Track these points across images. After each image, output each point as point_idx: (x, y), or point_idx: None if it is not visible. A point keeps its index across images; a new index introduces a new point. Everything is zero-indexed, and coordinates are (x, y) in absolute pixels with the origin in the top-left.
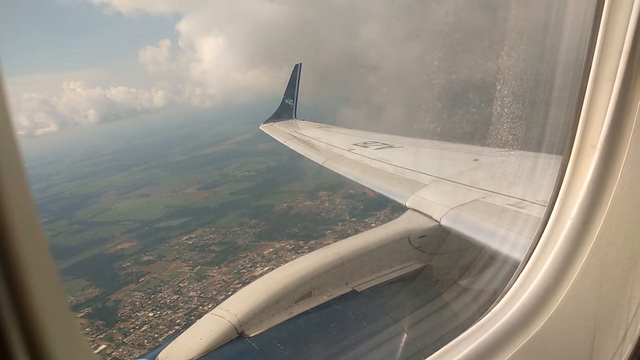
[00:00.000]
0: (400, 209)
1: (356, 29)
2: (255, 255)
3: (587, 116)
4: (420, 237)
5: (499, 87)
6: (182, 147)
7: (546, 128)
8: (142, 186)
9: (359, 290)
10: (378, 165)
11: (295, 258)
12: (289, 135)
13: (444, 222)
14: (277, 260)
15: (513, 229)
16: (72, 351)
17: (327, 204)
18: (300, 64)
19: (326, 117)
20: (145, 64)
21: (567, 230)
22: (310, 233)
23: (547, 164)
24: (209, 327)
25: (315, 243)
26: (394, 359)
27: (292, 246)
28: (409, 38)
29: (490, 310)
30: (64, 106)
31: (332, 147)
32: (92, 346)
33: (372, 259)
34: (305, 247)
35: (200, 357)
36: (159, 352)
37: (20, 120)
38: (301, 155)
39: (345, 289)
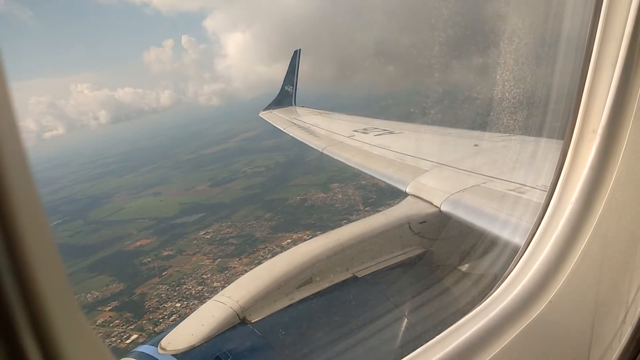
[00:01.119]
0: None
1: (376, 20)
2: (274, 247)
3: (588, 101)
4: (420, 223)
5: (499, 72)
6: (188, 146)
7: (547, 113)
8: (153, 185)
9: (359, 276)
10: (378, 152)
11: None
12: (288, 122)
13: (444, 208)
14: None
15: (513, 214)
16: (83, 347)
17: (340, 196)
18: (300, 50)
19: (343, 105)
20: (151, 63)
21: (567, 214)
22: (326, 224)
23: (548, 148)
24: (211, 314)
25: None
26: (395, 343)
27: (310, 236)
28: (417, 28)
29: (490, 295)
30: (72, 108)
31: (332, 134)
32: (106, 342)
33: (372, 245)
34: None
35: (203, 343)
36: (161, 339)
37: (28, 124)
38: (301, 142)
39: (346, 275)
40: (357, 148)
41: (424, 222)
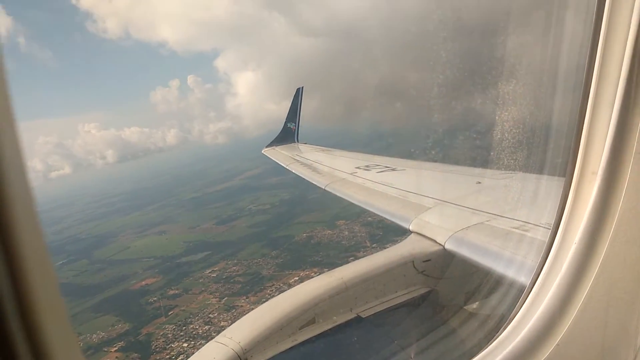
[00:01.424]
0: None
1: (382, 60)
2: (282, 284)
3: (587, 142)
4: (424, 261)
5: (500, 111)
6: (193, 184)
7: (548, 151)
8: (158, 224)
9: (363, 316)
10: (381, 189)
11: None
12: (291, 158)
13: (448, 246)
14: None
15: (518, 252)
16: None
17: (346, 232)
18: (302, 87)
19: (351, 141)
20: (157, 103)
21: (571, 255)
22: (333, 261)
23: (550, 186)
24: (211, 355)
25: None
26: None
27: (317, 274)
28: (420, 68)
29: (496, 338)
30: (79, 148)
31: (335, 171)
32: None
33: (376, 283)
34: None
35: None
36: None
37: (35, 164)
38: (304, 178)
39: (350, 315)
40: (360, 185)
41: (428, 260)
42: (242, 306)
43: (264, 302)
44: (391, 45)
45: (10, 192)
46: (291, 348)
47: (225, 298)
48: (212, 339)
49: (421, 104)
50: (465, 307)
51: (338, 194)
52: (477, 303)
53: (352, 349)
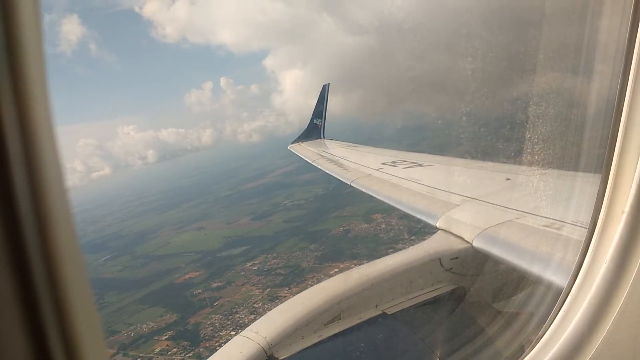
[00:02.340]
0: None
1: (426, 53)
2: (322, 276)
3: (621, 154)
4: (452, 259)
5: (531, 106)
6: (226, 182)
7: (581, 148)
8: (195, 220)
9: (389, 313)
10: (407, 185)
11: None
12: (317, 154)
13: (476, 244)
14: None
15: (548, 251)
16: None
17: (383, 226)
18: (328, 84)
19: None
20: (192, 104)
21: (602, 274)
22: (372, 253)
23: (582, 183)
24: (238, 350)
25: None
26: None
27: (357, 265)
28: (460, 61)
29: (524, 358)
30: (118, 149)
31: (360, 166)
32: None
33: (402, 280)
34: None
35: None
36: None
37: (76, 166)
38: (329, 174)
39: (375, 312)
40: (386, 181)
41: (456, 257)
42: (285, 296)
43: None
44: (433, 39)
45: (48, 193)
46: (316, 344)
47: (268, 289)
48: (277, 306)
49: (456, 98)
50: (492, 305)
51: (364, 190)
52: (505, 302)
53: (378, 345)
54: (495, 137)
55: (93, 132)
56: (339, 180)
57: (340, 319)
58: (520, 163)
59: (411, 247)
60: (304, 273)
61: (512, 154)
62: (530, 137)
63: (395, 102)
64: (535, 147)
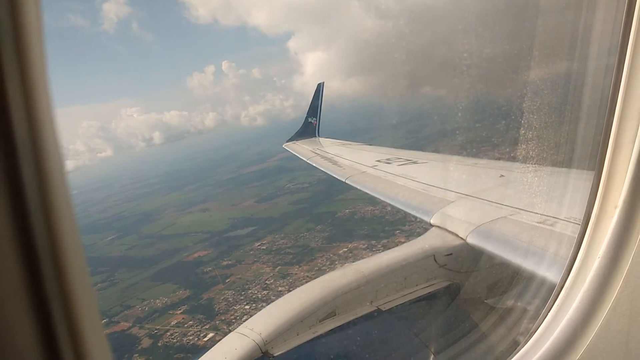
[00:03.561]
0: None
1: (448, 36)
2: (332, 255)
3: (614, 152)
4: (446, 255)
5: (527, 100)
6: (227, 166)
7: (574, 145)
8: (199, 202)
9: (383, 309)
10: (402, 182)
11: (371, 256)
12: (312, 152)
13: (470, 240)
14: (354, 258)
15: (541, 247)
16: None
17: (389, 208)
18: (323, 83)
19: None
20: (194, 88)
21: (595, 269)
22: (379, 233)
23: (576, 180)
24: (233, 346)
25: (388, 242)
26: None
27: (365, 245)
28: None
29: (517, 352)
30: (121, 131)
31: (355, 164)
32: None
33: (397, 277)
34: (379, 246)
35: None
36: None
37: (78, 147)
38: (325, 171)
39: (370, 308)
40: (380, 178)
41: (450, 254)
42: (296, 274)
43: (317, 270)
44: (456, 25)
45: (50, 179)
46: (311, 340)
47: (279, 267)
48: (272, 302)
49: (453, 90)
50: (486, 301)
51: (359, 187)
52: (499, 298)
53: (372, 341)
54: (490, 133)
55: (96, 113)
56: (334, 177)
57: (335, 315)
58: (514, 160)
59: (406, 244)
60: (313, 252)
61: (506, 150)
62: (523, 132)
63: (413, 85)
64: (528, 143)
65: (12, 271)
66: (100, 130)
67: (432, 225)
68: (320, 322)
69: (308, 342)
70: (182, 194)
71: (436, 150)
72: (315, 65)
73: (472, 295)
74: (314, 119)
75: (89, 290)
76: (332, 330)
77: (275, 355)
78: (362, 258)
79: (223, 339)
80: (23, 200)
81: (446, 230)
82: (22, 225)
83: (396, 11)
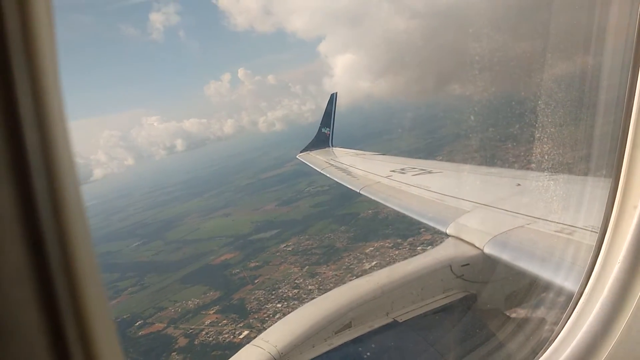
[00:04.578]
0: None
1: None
2: (359, 254)
3: (631, 157)
4: (462, 266)
5: (541, 113)
6: (245, 172)
7: (591, 153)
8: (220, 208)
9: (400, 321)
10: (417, 192)
11: (397, 254)
12: (325, 163)
13: (487, 250)
14: (381, 256)
15: (559, 256)
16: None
17: None
18: (336, 93)
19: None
20: (211, 95)
21: (615, 274)
22: (404, 232)
23: (593, 187)
24: (249, 359)
25: (414, 239)
26: None
27: (392, 244)
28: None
29: (539, 359)
30: (142, 140)
31: (369, 174)
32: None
33: (413, 288)
34: (405, 244)
35: None
36: None
37: (99, 157)
38: (339, 182)
39: (386, 320)
40: (395, 188)
41: (467, 264)
42: (324, 273)
43: (344, 269)
44: (483, 25)
45: (63, 191)
46: (327, 352)
47: (307, 267)
48: (304, 299)
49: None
50: (504, 312)
51: (373, 197)
52: (517, 308)
53: (389, 353)
54: (505, 140)
55: (116, 123)
56: (349, 188)
57: (351, 327)
58: (530, 168)
59: (421, 254)
60: (340, 252)
61: (522, 158)
62: (539, 139)
63: (440, 85)
64: (544, 149)
65: (20, 267)
66: (122, 140)
67: (448, 236)
68: (336, 333)
69: (324, 354)
70: (202, 201)
71: (459, 150)
72: (344, 67)
73: (490, 306)
74: (328, 129)
75: (99, 286)
76: (348, 342)
77: None
78: (389, 256)
79: (239, 351)
80: (34, 207)
81: (462, 240)
82: (31, 228)
83: (427, 10)
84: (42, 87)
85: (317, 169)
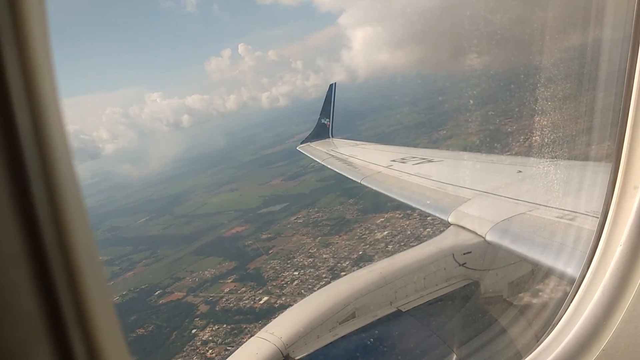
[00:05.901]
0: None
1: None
2: (370, 224)
3: (632, 136)
4: (465, 254)
5: (542, 101)
6: (246, 149)
7: (592, 132)
8: (226, 183)
9: (403, 310)
10: (418, 181)
11: (408, 224)
12: (326, 154)
13: (489, 238)
14: (392, 226)
15: (561, 242)
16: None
17: None
18: (335, 83)
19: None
20: (211, 72)
21: (617, 257)
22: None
23: (594, 173)
24: (254, 351)
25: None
26: None
27: (402, 215)
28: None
29: (540, 343)
30: (145, 116)
31: (370, 164)
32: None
33: (416, 277)
34: (415, 215)
35: None
36: None
37: (102, 134)
38: (340, 173)
39: (390, 309)
40: (396, 177)
41: (469, 252)
42: (337, 242)
43: (357, 239)
44: None
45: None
46: (332, 342)
47: (319, 237)
48: (319, 267)
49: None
50: (506, 299)
51: (375, 187)
52: (520, 294)
53: (393, 342)
54: (505, 126)
55: (117, 99)
56: (350, 179)
57: (355, 317)
58: (530, 155)
59: (424, 243)
60: (350, 223)
61: (523, 144)
62: (540, 124)
63: (458, 56)
64: (545, 135)
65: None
66: (123, 117)
67: (450, 224)
68: (340, 324)
69: (329, 344)
70: (207, 177)
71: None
72: (362, 40)
73: (492, 293)
74: (327, 120)
75: (97, 266)
76: (353, 332)
77: (296, 358)
78: (400, 226)
79: (244, 344)
80: (27, 190)
81: (464, 228)
82: (27, 214)
83: None
84: (33, 66)
85: (318, 160)
